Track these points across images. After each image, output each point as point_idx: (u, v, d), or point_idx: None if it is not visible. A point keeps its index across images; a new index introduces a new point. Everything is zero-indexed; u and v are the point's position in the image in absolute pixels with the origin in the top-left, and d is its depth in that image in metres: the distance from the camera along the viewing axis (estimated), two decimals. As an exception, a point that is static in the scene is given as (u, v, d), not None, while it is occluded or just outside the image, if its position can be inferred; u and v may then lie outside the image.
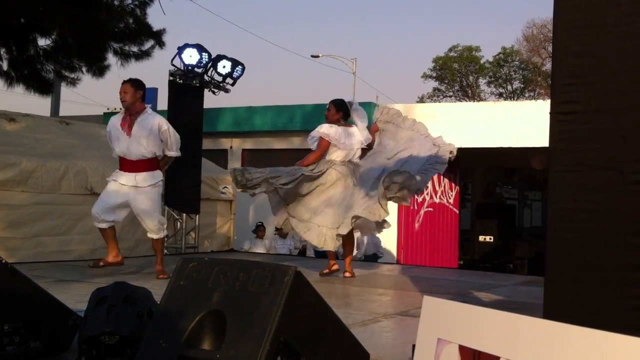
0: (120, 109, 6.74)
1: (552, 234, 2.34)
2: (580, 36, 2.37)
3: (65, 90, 13.15)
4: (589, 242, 2.27)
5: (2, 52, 11.63)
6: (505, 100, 38.38)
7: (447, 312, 1.71)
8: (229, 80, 9.76)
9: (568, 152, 2.35)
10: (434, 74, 43.87)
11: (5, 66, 11.62)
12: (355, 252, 10.99)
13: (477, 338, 1.59)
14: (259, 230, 11.82)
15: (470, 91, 43.64)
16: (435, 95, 44.00)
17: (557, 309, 2.28)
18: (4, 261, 2.92)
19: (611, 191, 2.25)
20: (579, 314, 2.23)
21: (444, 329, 1.68)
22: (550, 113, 2.41)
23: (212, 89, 9.71)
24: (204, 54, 9.20)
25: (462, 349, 1.63)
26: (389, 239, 13.54)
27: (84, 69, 12.02)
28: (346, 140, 6.65)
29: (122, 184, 6.24)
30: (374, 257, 11.13)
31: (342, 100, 6.91)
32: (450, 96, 43.84)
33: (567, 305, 2.28)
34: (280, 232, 11.79)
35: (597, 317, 2.23)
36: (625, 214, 2.23)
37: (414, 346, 1.89)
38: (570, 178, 2.33)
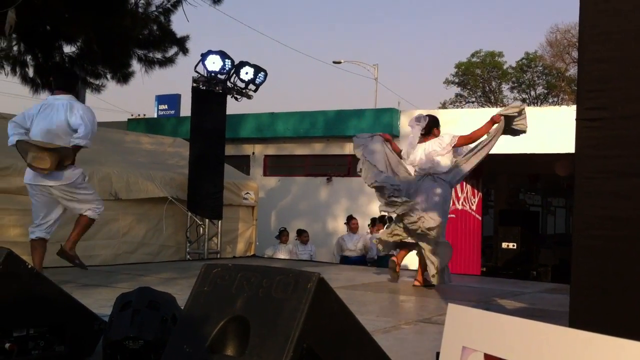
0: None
1: (578, 242, 2.31)
2: (606, 42, 2.35)
3: (89, 97, 13.28)
4: (615, 249, 2.25)
5: (28, 59, 11.79)
6: (528, 106, 38.06)
7: (472, 320, 1.69)
8: (251, 86, 9.81)
9: (594, 159, 2.33)
10: (457, 80, 43.65)
11: (31, 73, 11.79)
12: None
13: (503, 347, 1.58)
14: (282, 236, 11.87)
15: (493, 97, 43.36)
16: (458, 101, 43.76)
17: (583, 317, 2.26)
18: (29, 266, 2.95)
19: (638, 198, 2.23)
20: (606, 323, 2.20)
21: (469, 337, 1.67)
22: (576, 119, 2.39)
23: (235, 95, 9.77)
24: (226, 60, 9.27)
25: (488, 358, 1.62)
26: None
27: (108, 76, 12.17)
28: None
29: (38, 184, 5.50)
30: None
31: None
32: (473, 102, 43.60)
33: (593, 314, 2.25)
34: (302, 238, 11.84)
35: (623, 325, 2.20)
36: (653, 221, 2.20)
37: (437, 354, 1.88)
38: (596, 185, 2.30)
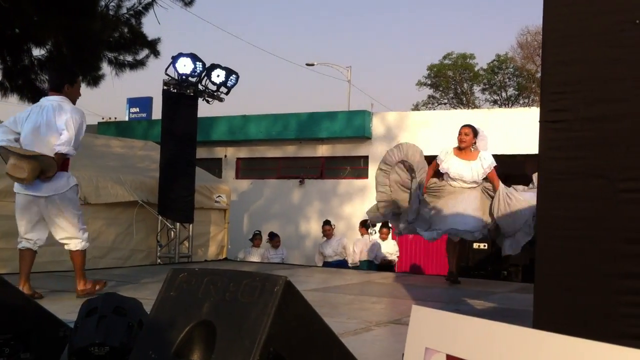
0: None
1: (542, 242, 2.34)
2: (569, 45, 2.38)
3: (59, 100, 13.10)
4: (578, 250, 2.27)
5: (-5, 63, 11.64)
6: (499, 107, 38.48)
7: (435, 321, 1.70)
8: (223, 89, 9.78)
9: (557, 160, 2.35)
10: (429, 82, 43.97)
11: (-1, 76, 11.63)
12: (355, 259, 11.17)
13: (465, 347, 1.59)
14: (255, 239, 11.84)
15: (465, 98, 43.73)
16: (430, 103, 44.09)
17: (547, 317, 2.28)
18: (-7, 272, 2.91)
19: (600, 199, 2.26)
20: (569, 323, 2.23)
21: (432, 338, 1.68)
22: (540, 121, 2.42)
23: (206, 98, 9.73)
24: (197, 63, 9.22)
25: (450, 359, 1.63)
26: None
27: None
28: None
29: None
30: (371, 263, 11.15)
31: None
32: (445, 104, 43.95)
33: (557, 314, 2.28)
34: (273, 243, 11.81)
35: (587, 325, 2.23)
36: (615, 221, 2.23)
37: (403, 355, 1.89)
38: (559, 186, 2.33)
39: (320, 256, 11.59)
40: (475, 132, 6.94)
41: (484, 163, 6.83)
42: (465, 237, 6.91)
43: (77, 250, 5.46)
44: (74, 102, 5.45)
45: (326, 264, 11.17)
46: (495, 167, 6.90)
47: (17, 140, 5.25)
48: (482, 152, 6.91)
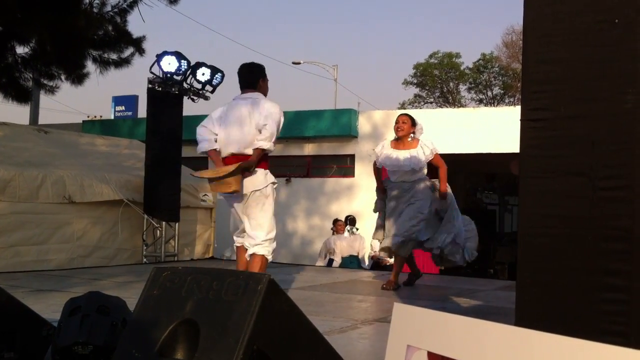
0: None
1: (523, 240, 2.36)
2: (550, 44, 2.40)
3: (44, 98, 13.07)
4: (559, 247, 2.29)
5: (-22, 61, 11.52)
6: (485, 106, 38.63)
7: (417, 318, 1.72)
8: (208, 87, 9.75)
9: (538, 159, 2.37)
10: (415, 81, 44.08)
11: (-18, 75, 11.52)
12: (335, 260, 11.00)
13: (446, 345, 1.60)
14: (242, 238, 11.75)
15: (450, 97, 43.88)
16: (417, 102, 44.21)
17: (529, 315, 2.30)
18: (-24, 272, 2.89)
19: (581, 197, 2.28)
20: (551, 320, 2.25)
21: (414, 335, 1.69)
22: (520, 120, 2.44)
23: (192, 97, 9.70)
24: (182, 61, 9.20)
25: (431, 356, 1.64)
26: (369, 245, 13.51)
27: (62, 77, 11.95)
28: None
29: None
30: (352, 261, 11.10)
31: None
32: (431, 102, 44.08)
33: (538, 311, 2.30)
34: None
35: (568, 322, 2.25)
36: (595, 219, 2.25)
37: (386, 353, 1.90)
38: (540, 184, 2.35)
39: (325, 250, 11.17)
40: (413, 122, 6.56)
41: (425, 149, 6.44)
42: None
43: (257, 256, 5.19)
44: (265, 96, 5.40)
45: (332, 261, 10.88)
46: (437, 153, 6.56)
47: (215, 140, 5.24)
48: (422, 139, 6.54)
